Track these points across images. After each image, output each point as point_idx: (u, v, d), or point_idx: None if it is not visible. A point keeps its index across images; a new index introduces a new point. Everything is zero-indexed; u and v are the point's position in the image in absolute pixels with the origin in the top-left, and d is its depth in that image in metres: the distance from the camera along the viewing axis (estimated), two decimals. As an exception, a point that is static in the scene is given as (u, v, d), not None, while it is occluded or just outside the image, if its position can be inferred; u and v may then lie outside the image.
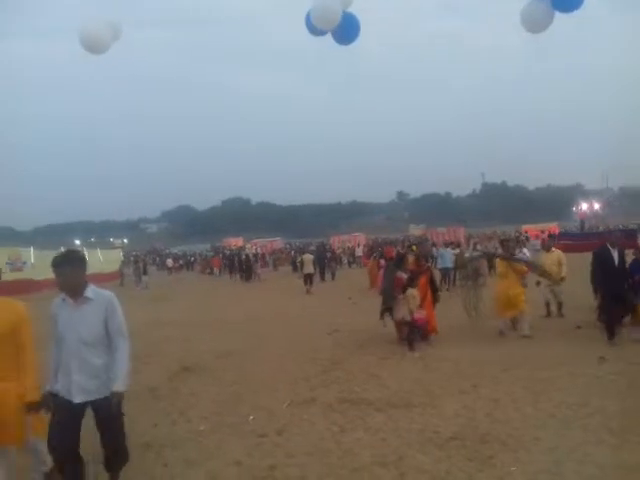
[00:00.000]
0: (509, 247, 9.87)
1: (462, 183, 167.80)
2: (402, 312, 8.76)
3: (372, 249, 31.84)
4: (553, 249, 11.23)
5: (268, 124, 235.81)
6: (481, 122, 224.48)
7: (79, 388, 3.67)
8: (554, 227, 45.02)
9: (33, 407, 3.65)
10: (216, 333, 11.44)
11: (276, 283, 25.80)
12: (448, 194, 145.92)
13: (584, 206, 64.44)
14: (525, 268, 9.32)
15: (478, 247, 20.90)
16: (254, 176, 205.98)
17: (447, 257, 18.24)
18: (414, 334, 8.68)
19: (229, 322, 13.01)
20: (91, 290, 3.78)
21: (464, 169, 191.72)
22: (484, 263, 14.74)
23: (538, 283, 10.53)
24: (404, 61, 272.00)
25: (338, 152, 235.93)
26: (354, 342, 9.35)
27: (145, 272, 28.99)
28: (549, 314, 10.83)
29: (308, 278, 20.16)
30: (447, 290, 16.20)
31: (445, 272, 18.02)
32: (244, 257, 32.04)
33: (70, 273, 3.68)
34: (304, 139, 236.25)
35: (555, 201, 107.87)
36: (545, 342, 8.47)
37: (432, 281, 9.56)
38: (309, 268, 20.40)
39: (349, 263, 35.51)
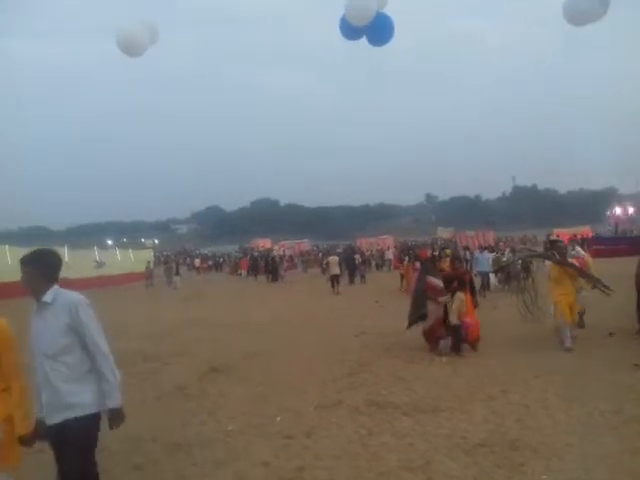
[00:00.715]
0: (560, 249, 8.90)
1: (492, 186, 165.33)
2: (435, 319, 8.49)
3: (403, 252, 31.52)
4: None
5: (296, 124, 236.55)
6: (512, 124, 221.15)
7: (49, 408, 3.20)
8: (587, 231, 44.02)
9: (25, 441, 3.32)
10: (244, 334, 11.51)
11: (304, 285, 25.88)
12: (477, 197, 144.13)
13: (618, 210, 63.22)
14: (577, 273, 8.54)
15: (518, 248, 20.74)
16: (283, 177, 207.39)
17: (484, 261, 17.73)
18: (460, 338, 8.38)
19: (256, 323, 13.08)
20: (52, 293, 3.22)
21: (494, 172, 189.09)
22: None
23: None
24: (432, 61, 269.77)
25: (366, 153, 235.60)
26: (381, 345, 9.32)
27: (177, 272, 29.40)
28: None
29: (334, 279, 20.48)
30: (484, 296, 15.21)
31: (483, 276, 17.35)
32: (270, 259, 32.42)
33: (27, 273, 3.24)
34: (332, 140, 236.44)
35: (588, 205, 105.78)
36: (577, 349, 8.29)
37: (471, 285, 9.12)
38: (335, 269, 20.77)
39: (377, 266, 34.95)
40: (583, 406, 5.58)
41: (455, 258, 9.62)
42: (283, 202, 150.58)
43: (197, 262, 46.95)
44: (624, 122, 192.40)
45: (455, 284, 8.53)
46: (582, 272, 8.79)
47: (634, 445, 4.54)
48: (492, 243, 39.30)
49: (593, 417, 5.27)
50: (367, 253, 37.36)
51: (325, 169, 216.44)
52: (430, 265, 9.49)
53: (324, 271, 28.17)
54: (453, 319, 8.33)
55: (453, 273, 8.87)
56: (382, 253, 36.93)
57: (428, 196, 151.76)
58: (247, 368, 8.17)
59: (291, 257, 43.02)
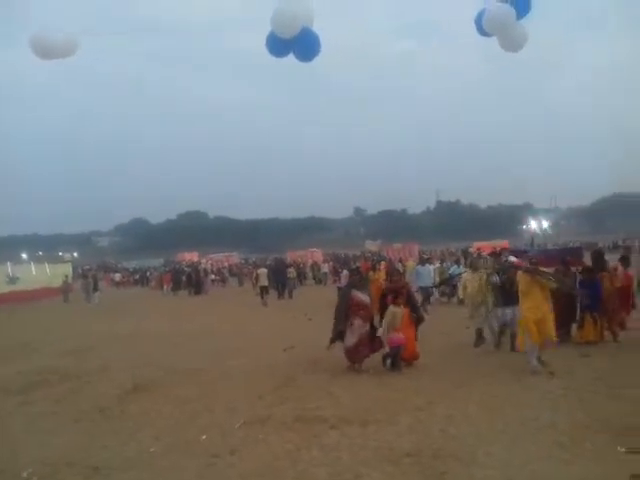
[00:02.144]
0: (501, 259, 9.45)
1: (418, 200, 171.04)
2: (359, 336, 8.15)
3: (340, 264, 31.51)
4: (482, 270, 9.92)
5: (226, 136, 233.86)
6: (439, 141, 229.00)
7: None
8: (505, 244, 46.12)
9: None
10: (169, 349, 11.25)
11: (233, 298, 25.47)
12: (404, 211, 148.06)
13: (533, 224, 67.07)
14: (553, 283, 7.99)
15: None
16: (212, 190, 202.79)
17: (426, 274, 16.69)
18: (395, 355, 8.05)
19: (182, 338, 12.81)
20: None
21: (420, 186, 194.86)
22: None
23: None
24: (363, 79, 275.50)
25: (297, 167, 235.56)
26: (309, 359, 9.29)
27: (96, 288, 28.23)
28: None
29: (263, 290, 21.03)
30: (426, 311, 13.25)
31: (425, 291, 16.16)
32: (194, 272, 32.07)
33: None
34: (263, 152, 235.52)
35: (505, 219, 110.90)
36: (500, 358, 8.63)
37: (411, 299, 8.73)
38: (264, 281, 21.28)
39: (316, 280, 33.34)
40: (503, 415, 5.81)
41: (393, 270, 9.73)
42: (212, 214, 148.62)
43: (117, 277, 45.36)
44: (542, 141, 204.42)
45: (389, 298, 8.26)
46: (552, 274, 8.45)
47: (551, 452, 4.76)
48: (417, 255, 40.49)
49: (512, 425, 5.49)
50: (303, 266, 36.16)
51: (256, 182, 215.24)
52: (357, 278, 9.15)
53: (254, 285, 28.05)
54: (383, 333, 8.13)
55: (391, 286, 8.70)
56: (319, 267, 35.99)
57: (357, 209, 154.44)
58: (172, 385, 7.97)
59: (219, 270, 42.34)
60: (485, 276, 9.33)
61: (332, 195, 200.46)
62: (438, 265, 19.38)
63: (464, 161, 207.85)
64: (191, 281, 30.66)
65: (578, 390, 6.57)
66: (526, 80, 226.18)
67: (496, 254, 11.27)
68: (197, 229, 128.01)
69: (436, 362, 8.55)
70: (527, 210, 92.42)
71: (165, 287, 32.84)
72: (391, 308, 8.12)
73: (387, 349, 8.17)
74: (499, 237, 56.40)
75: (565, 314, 9.16)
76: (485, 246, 45.50)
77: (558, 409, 5.91)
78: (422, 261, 19.18)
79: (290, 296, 23.77)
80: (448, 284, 16.80)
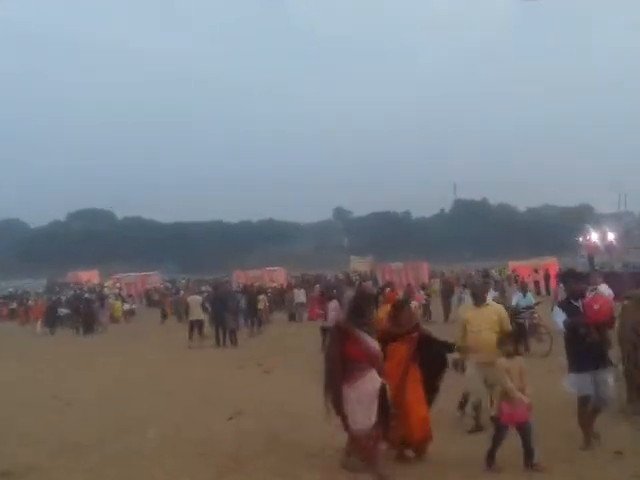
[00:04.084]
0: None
1: (427, 199, 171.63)
2: (367, 409, 6.95)
3: (328, 291, 28.06)
4: (489, 300, 9.82)
5: (144, 99, 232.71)
6: (458, 114, 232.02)
7: None
8: (553, 263, 46.31)
9: None
10: (55, 417, 11.10)
11: (153, 338, 25.21)
12: (407, 214, 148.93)
13: (594, 236, 67.00)
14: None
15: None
16: (120, 178, 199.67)
17: None
18: (496, 441, 7.14)
19: (75, 399, 12.65)
20: None
21: (431, 180, 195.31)
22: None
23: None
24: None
25: (249, 146, 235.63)
26: (266, 432, 9.19)
27: None
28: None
29: (195, 326, 21.33)
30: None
31: None
32: (83, 301, 32.32)
33: None
34: (197, 123, 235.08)
35: (553, 227, 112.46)
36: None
37: (426, 350, 7.98)
38: (196, 313, 21.66)
39: (291, 315, 31.28)
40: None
41: (402, 303, 8.58)
42: (121, 214, 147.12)
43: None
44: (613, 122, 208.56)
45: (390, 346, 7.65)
46: None
47: None
48: (426, 279, 40.58)
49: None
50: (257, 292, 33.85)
51: (185, 171, 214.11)
52: (356, 313, 7.60)
53: (180, 318, 27.91)
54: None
55: (396, 331, 7.89)
56: (290, 294, 33.66)
57: (338, 211, 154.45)
58: (57, 471, 7.83)
59: (130, 296, 42.05)
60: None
61: (301, 189, 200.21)
62: (495, 294, 18.49)
63: (494, 144, 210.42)
64: (78, 314, 30.58)
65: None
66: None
67: (567, 276, 9.83)
68: (98, 236, 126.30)
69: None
70: (585, 215, 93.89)
71: (38, 323, 31.85)
72: (503, 362, 7.38)
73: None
74: (544, 253, 56.51)
75: None
76: (524, 267, 45.89)
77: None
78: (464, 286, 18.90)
79: (233, 342, 23.07)
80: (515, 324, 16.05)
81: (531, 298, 17.48)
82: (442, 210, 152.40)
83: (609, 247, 64.90)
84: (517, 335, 14.33)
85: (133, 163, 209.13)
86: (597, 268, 39.63)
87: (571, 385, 7.95)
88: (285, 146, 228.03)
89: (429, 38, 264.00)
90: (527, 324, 16.02)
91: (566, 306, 8.04)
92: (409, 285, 28.25)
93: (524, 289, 18.38)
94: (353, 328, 7.27)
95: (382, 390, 7.07)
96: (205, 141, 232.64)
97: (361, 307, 7.68)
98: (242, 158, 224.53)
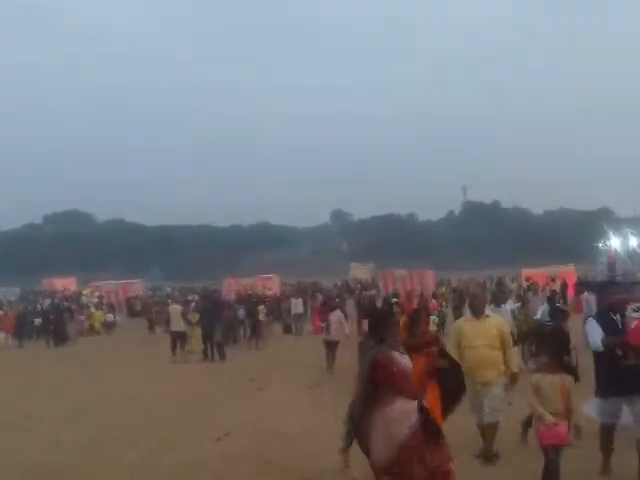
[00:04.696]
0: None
1: (434, 201, 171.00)
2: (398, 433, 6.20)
3: (330, 300, 27.10)
4: (488, 311, 9.30)
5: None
6: (468, 107, 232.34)
7: None
8: (570, 272, 46.30)
9: None
10: (23, 436, 11.04)
11: (135, 351, 25.12)
12: (412, 216, 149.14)
13: (614, 241, 66.39)
14: None
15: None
16: (102, 181, 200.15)
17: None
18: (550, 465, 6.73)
19: (47, 418, 12.62)
20: None
21: (439, 180, 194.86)
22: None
23: None
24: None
25: (241, 142, 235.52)
26: (257, 454, 9.12)
27: None
28: None
29: (177, 339, 21.36)
30: None
31: None
32: (54, 310, 32.55)
33: None
34: (183, 116, 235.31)
35: (570, 232, 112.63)
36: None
37: (446, 367, 7.74)
38: (177, 324, 21.69)
39: (286, 327, 31.02)
40: None
41: (415, 315, 8.37)
42: (102, 217, 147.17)
43: None
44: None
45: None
46: None
47: None
48: (433, 287, 40.48)
49: None
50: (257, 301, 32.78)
51: (174, 164, 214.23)
52: (377, 333, 6.80)
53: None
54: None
55: (411, 342, 7.50)
56: (287, 304, 33.10)
57: (337, 214, 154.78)
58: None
59: (110, 305, 41.92)
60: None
61: (297, 190, 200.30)
62: (517, 305, 17.99)
63: (506, 143, 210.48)
64: (49, 325, 30.56)
65: None
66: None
67: (604, 286, 9.51)
68: (76, 240, 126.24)
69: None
70: (605, 219, 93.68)
71: (2, 334, 31.95)
72: (546, 378, 7.00)
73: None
74: (560, 259, 56.44)
75: None
76: (539, 274, 45.81)
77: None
78: (496, 298, 17.07)
79: (221, 356, 22.90)
80: (539, 338, 15.53)
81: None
82: (450, 213, 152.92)
83: (631, 254, 64.19)
84: (561, 346, 12.17)
85: (115, 162, 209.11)
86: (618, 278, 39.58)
87: (596, 410, 7.60)
88: (279, 144, 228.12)
89: (431, 37, 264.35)
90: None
91: (603, 320, 7.45)
92: (422, 294, 28.23)
93: (552, 300, 17.67)
94: (387, 355, 6.46)
95: (423, 412, 6.46)
96: (193, 140, 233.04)
97: (381, 326, 6.81)
98: (232, 158, 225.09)
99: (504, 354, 8.21)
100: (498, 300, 16.04)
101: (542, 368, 7.11)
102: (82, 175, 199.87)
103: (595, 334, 7.31)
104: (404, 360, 6.47)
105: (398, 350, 6.52)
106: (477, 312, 8.64)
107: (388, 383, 6.27)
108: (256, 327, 24.98)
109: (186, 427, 11.26)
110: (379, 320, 6.95)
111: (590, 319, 7.76)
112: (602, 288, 8.57)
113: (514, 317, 16.14)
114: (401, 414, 6.21)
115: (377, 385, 6.30)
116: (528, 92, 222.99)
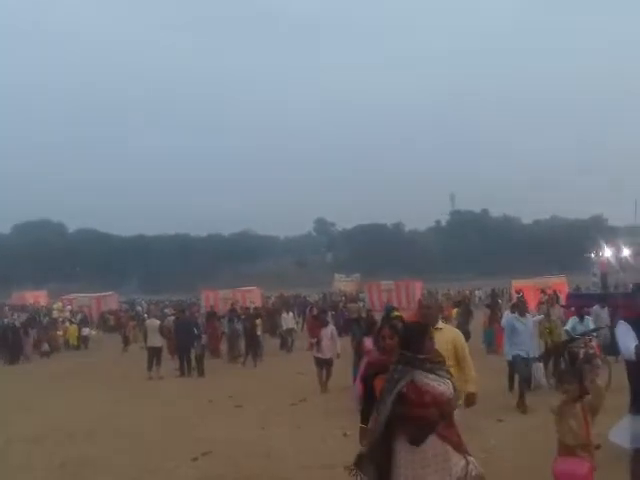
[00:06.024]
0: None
1: (422, 211, 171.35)
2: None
3: (322, 312, 26.23)
4: (441, 323, 8.36)
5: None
6: (457, 111, 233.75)
7: None
8: (562, 283, 46.43)
9: None
10: None
11: (112, 367, 25.02)
12: (398, 226, 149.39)
13: (607, 250, 66.50)
14: None
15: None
16: (74, 189, 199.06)
17: (524, 334, 14.41)
18: None
19: (15, 440, 12.52)
20: None
21: (426, 188, 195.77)
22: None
23: None
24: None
25: (219, 156, 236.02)
26: (236, 475, 9.12)
27: None
28: None
29: (153, 355, 21.22)
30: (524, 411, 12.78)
31: (522, 367, 14.03)
32: (8, 328, 32.03)
33: None
34: (159, 128, 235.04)
35: (562, 242, 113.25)
36: None
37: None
38: (154, 340, 21.69)
39: (285, 342, 29.53)
40: None
41: (425, 328, 7.24)
42: (73, 227, 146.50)
43: None
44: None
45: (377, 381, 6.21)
46: None
47: None
48: (419, 298, 40.35)
49: None
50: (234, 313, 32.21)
51: (149, 170, 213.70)
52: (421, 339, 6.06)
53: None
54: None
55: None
56: (278, 319, 32.22)
57: (320, 222, 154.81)
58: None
59: (85, 320, 41.67)
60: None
61: (278, 198, 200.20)
62: (540, 317, 17.28)
63: (495, 151, 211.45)
64: (7, 342, 30.58)
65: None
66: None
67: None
68: (47, 251, 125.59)
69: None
70: (597, 228, 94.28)
71: None
72: (574, 409, 6.76)
73: None
74: (551, 270, 56.70)
75: None
76: (528, 286, 45.78)
77: None
78: (518, 307, 16.05)
79: (199, 372, 22.69)
80: (567, 353, 15.03)
81: (589, 323, 15.99)
82: (438, 222, 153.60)
83: (624, 264, 64.20)
84: (580, 370, 12.66)
85: (88, 169, 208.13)
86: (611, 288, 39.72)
87: (630, 435, 6.52)
88: (259, 150, 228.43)
89: (428, 39, 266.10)
90: (582, 354, 14.25)
91: (636, 324, 6.57)
92: (436, 306, 27.71)
93: (581, 312, 16.83)
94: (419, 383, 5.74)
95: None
96: (170, 144, 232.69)
97: (416, 345, 5.98)
98: (211, 164, 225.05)
99: (462, 371, 7.30)
100: (522, 309, 15.22)
101: (570, 395, 6.72)
102: (52, 183, 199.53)
103: (628, 340, 6.42)
104: (434, 381, 5.68)
105: (435, 373, 5.76)
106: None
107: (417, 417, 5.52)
108: (254, 342, 24.26)
109: (162, 447, 11.20)
110: (413, 337, 6.04)
111: (622, 323, 6.80)
112: (635, 293, 7.65)
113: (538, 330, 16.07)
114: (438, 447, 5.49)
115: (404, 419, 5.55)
116: (517, 98, 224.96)
